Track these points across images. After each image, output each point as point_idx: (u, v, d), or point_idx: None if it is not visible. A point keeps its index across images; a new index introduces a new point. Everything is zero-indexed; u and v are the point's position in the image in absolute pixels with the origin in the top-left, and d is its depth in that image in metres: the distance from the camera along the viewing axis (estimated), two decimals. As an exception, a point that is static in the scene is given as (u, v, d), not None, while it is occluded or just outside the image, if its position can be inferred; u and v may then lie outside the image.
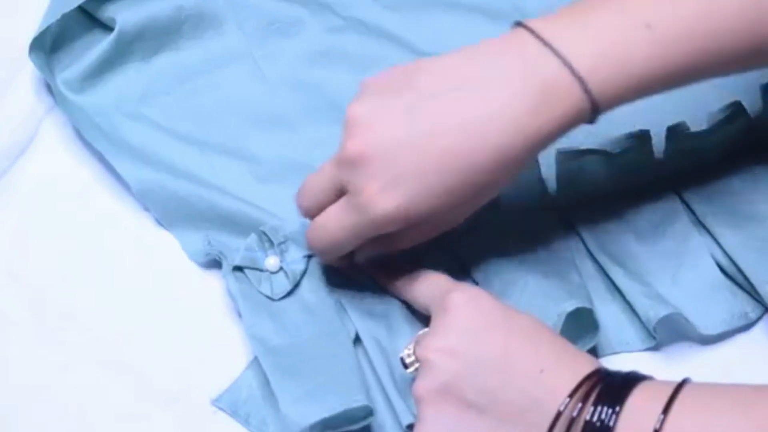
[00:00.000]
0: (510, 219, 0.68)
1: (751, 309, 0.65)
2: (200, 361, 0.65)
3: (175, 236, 0.69)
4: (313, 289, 0.65)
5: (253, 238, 0.66)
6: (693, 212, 0.68)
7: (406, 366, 0.59)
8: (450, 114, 0.57)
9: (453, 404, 0.56)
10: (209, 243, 0.67)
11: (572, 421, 0.53)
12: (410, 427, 0.60)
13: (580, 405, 0.53)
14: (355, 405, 0.59)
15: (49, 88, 0.73)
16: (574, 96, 0.57)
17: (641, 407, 0.52)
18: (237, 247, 0.66)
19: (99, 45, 0.73)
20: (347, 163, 0.58)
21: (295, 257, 0.66)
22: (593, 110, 0.58)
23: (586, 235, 0.67)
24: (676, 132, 0.69)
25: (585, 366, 0.55)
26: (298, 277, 0.66)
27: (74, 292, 0.67)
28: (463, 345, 0.56)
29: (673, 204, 0.68)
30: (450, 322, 0.57)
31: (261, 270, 0.66)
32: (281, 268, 0.66)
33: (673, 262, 0.66)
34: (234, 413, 0.63)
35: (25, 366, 0.64)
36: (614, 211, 0.68)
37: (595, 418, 0.53)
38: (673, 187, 0.69)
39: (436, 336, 0.57)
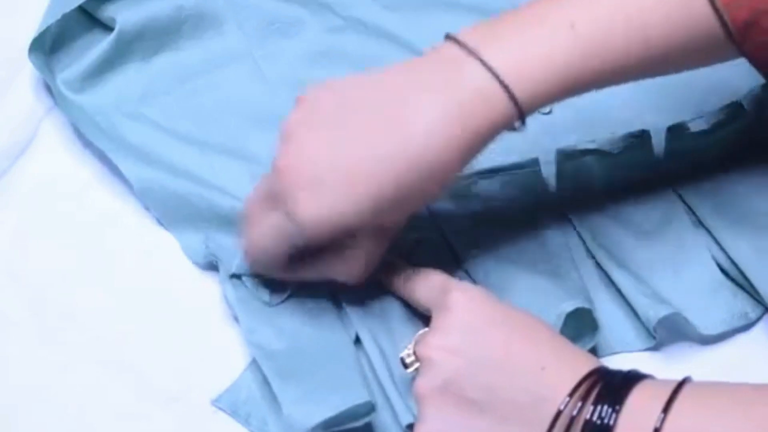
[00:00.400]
0: (510, 219, 0.68)
1: (751, 309, 0.65)
2: (200, 361, 0.65)
3: (174, 236, 0.69)
4: (311, 291, 0.65)
5: (252, 241, 0.66)
6: (693, 212, 0.68)
7: (406, 366, 0.59)
8: (377, 128, 0.58)
9: (454, 402, 0.56)
10: (207, 247, 0.67)
11: (572, 420, 0.53)
12: (410, 427, 0.60)
13: (580, 404, 0.53)
14: (357, 402, 0.59)
15: (49, 89, 0.73)
16: (501, 104, 0.57)
17: (641, 406, 0.53)
18: (235, 250, 0.66)
19: (99, 45, 0.73)
20: (277, 174, 0.59)
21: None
22: (519, 116, 0.58)
23: (585, 234, 0.67)
24: (676, 132, 0.69)
25: (585, 364, 0.55)
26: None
27: (74, 292, 0.67)
28: (465, 343, 0.56)
29: (673, 204, 0.68)
30: (451, 321, 0.57)
31: (258, 276, 0.66)
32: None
33: (673, 261, 0.66)
34: (234, 413, 0.63)
35: (25, 366, 0.64)
36: (614, 210, 0.68)
37: (595, 417, 0.53)
38: (673, 187, 0.69)
39: (437, 334, 0.57)
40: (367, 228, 0.60)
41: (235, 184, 0.69)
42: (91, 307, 0.66)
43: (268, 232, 0.61)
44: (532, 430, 0.54)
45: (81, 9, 0.73)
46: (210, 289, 0.67)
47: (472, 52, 0.58)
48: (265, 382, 0.62)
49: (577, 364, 0.55)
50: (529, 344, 0.56)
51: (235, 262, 0.65)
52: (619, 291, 0.66)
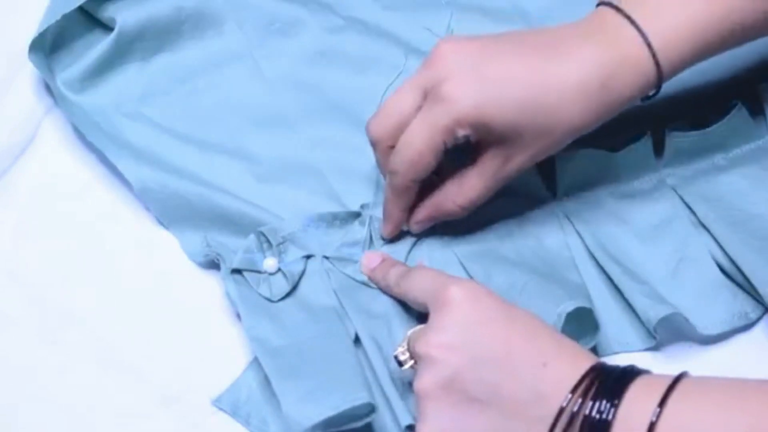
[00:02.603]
0: (510, 219, 0.68)
1: (751, 309, 0.65)
2: (200, 361, 0.65)
3: (174, 236, 0.69)
4: (312, 289, 0.65)
5: (251, 239, 0.66)
6: (693, 212, 0.68)
7: (400, 363, 0.59)
8: (534, 47, 0.62)
9: (455, 399, 0.55)
10: (207, 244, 0.67)
11: (573, 416, 0.53)
12: (409, 427, 0.60)
13: (580, 400, 0.53)
14: (357, 403, 0.59)
15: (49, 88, 0.73)
16: (645, 67, 0.62)
17: (639, 401, 0.53)
18: (235, 248, 0.66)
19: (99, 45, 0.73)
20: (435, 60, 0.62)
21: (294, 258, 0.66)
22: (657, 82, 0.62)
23: (586, 235, 0.67)
24: (676, 132, 0.69)
25: (585, 360, 0.55)
26: (296, 278, 0.66)
27: (74, 292, 0.67)
28: (465, 340, 0.56)
29: (673, 204, 0.68)
30: (450, 317, 0.57)
31: (259, 272, 0.66)
32: (279, 270, 0.66)
33: (673, 262, 0.66)
34: (234, 413, 0.63)
35: (25, 366, 0.64)
36: (614, 211, 0.68)
37: (594, 413, 0.53)
38: (673, 187, 0.69)
39: (436, 331, 0.57)
40: (492, 144, 0.62)
41: (234, 184, 0.69)
42: (91, 307, 0.66)
43: (418, 130, 0.62)
44: (533, 426, 0.54)
45: (81, 9, 0.73)
46: (210, 289, 0.67)
47: (627, 17, 0.62)
48: (266, 381, 0.62)
49: (577, 361, 0.55)
50: (529, 340, 0.56)
51: (237, 257, 0.65)
52: (619, 291, 0.66)
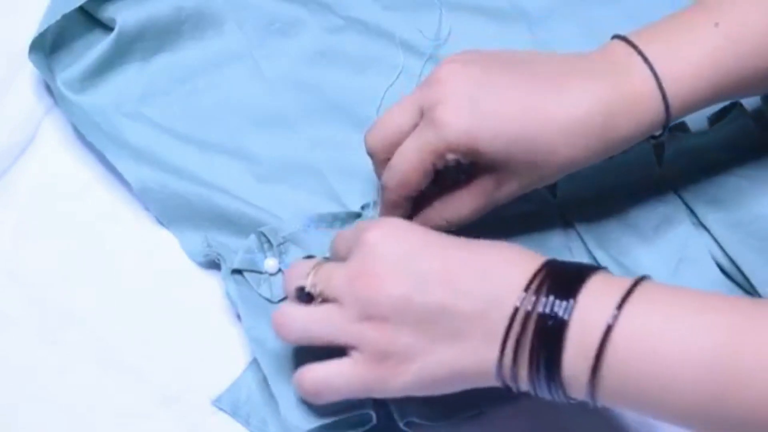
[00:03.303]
0: (510, 219, 0.68)
1: (751, 309, 0.65)
2: (200, 361, 0.65)
3: (174, 236, 0.69)
4: None
5: (252, 239, 0.66)
6: (693, 212, 0.68)
7: (309, 297, 0.57)
8: (533, 78, 0.61)
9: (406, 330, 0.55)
10: (208, 245, 0.67)
11: (527, 318, 0.53)
12: (407, 425, 0.60)
13: (534, 298, 0.53)
14: (355, 412, 0.59)
15: (49, 88, 0.73)
16: (652, 103, 0.60)
17: (596, 301, 0.52)
18: (236, 249, 0.66)
19: (99, 45, 0.73)
20: (434, 81, 0.61)
21: (294, 259, 0.66)
22: (665, 121, 0.61)
23: (586, 235, 0.67)
24: (677, 132, 0.69)
25: (533, 260, 0.55)
26: (297, 278, 0.66)
27: (74, 292, 0.67)
28: (396, 269, 0.55)
29: (673, 204, 0.68)
30: (372, 255, 0.56)
31: (260, 272, 0.66)
32: (280, 270, 0.66)
33: (673, 262, 0.66)
34: (234, 413, 0.63)
35: (25, 366, 0.64)
36: (614, 211, 0.68)
37: (548, 310, 0.52)
38: (673, 187, 0.69)
39: (358, 267, 0.56)
40: (485, 168, 0.61)
41: (235, 184, 0.69)
42: (91, 307, 0.66)
43: (411, 146, 0.61)
44: (489, 338, 0.53)
45: (81, 9, 0.73)
46: (210, 289, 0.67)
47: (639, 52, 0.61)
48: (266, 382, 0.62)
49: (523, 261, 0.55)
50: (467, 252, 0.55)
51: (237, 257, 0.65)
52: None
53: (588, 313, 0.52)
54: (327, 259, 0.61)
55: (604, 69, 0.61)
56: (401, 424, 0.60)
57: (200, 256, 0.68)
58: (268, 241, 0.66)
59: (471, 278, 0.54)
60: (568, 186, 0.68)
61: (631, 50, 0.61)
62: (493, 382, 0.55)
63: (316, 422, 0.59)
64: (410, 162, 0.61)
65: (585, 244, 0.67)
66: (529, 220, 0.68)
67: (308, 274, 0.58)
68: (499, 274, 0.54)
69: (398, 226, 0.58)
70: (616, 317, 0.51)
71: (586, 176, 0.68)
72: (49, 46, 0.73)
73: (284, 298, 0.65)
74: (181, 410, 0.63)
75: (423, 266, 0.55)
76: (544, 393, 0.54)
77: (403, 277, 0.55)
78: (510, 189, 0.62)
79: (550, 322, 0.52)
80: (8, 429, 0.63)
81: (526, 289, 0.53)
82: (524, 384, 0.54)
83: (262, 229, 0.66)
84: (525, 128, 0.60)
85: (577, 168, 0.62)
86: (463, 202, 0.63)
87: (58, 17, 0.70)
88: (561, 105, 0.60)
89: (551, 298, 0.52)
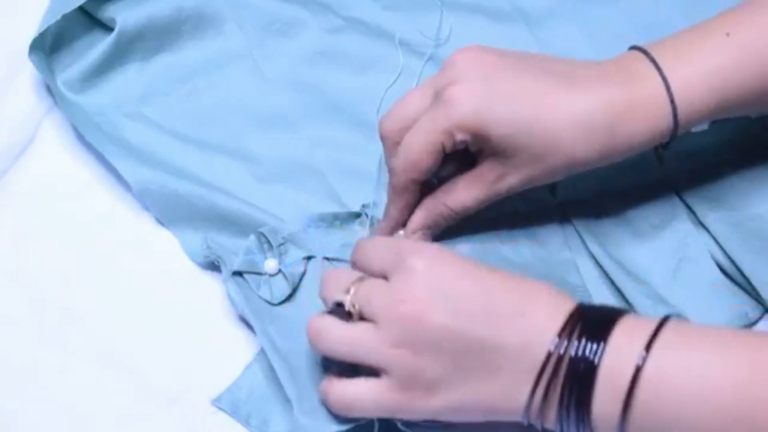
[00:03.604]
0: (510, 219, 0.68)
1: (750, 309, 0.65)
2: (200, 362, 0.65)
3: (174, 236, 0.69)
4: (313, 292, 0.65)
5: (252, 239, 0.66)
6: (693, 212, 0.68)
7: (350, 315, 0.58)
8: (548, 72, 0.62)
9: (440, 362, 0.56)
10: (208, 246, 0.67)
11: (560, 360, 0.53)
12: (405, 424, 0.60)
13: (566, 342, 0.54)
14: (363, 421, 0.59)
15: (50, 89, 0.73)
16: (661, 110, 0.61)
17: (624, 343, 0.53)
18: (236, 249, 0.66)
19: (99, 45, 0.73)
20: (449, 64, 0.62)
21: (294, 259, 0.66)
22: (674, 129, 0.61)
23: (586, 235, 0.67)
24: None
25: (565, 303, 0.55)
26: (297, 280, 0.66)
27: (74, 292, 0.67)
28: (437, 299, 0.56)
29: (672, 204, 0.68)
30: (414, 284, 0.56)
31: (260, 273, 0.66)
32: (280, 271, 0.66)
33: (673, 262, 0.66)
34: (234, 413, 0.63)
35: (25, 366, 0.64)
36: (614, 211, 0.68)
37: (579, 354, 0.53)
38: (672, 187, 0.69)
39: (403, 295, 0.56)
40: (490, 156, 0.62)
41: (235, 184, 0.69)
42: (91, 307, 0.66)
43: (420, 131, 0.62)
44: (521, 377, 0.54)
45: (81, 9, 0.73)
46: (210, 289, 0.67)
47: (652, 60, 0.62)
48: (266, 381, 0.62)
49: (557, 305, 0.55)
50: (505, 291, 0.56)
51: (238, 259, 0.65)
52: (619, 291, 0.66)
53: (618, 355, 0.53)
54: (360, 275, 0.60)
55: (615, 74, 0.62)
56: (399, 424, 0.60)
57: (200, 257, 0.68)
58: (268, 241, 0.66)
59: (510, 318, 0.55)
60: (568, 185, 0.68)
61: (642, 57, 0.62)
62: (518, 418, 0.56)
63: (334, 428, 0.59)
64: (419, 142, 0.62)
65: (585, 243, 0.67)
66: (530, 219, 0.68)
67: (348, 290, 0.58)
68: (536, 316, 0.55)
69: (442, 254, 0.58)
70: (644, 359, 0.52)
71: (587, 176, 0.68)
72: (49, 46, 0.73)
73: (284, 300, 0.65)
74: (181, 410, 0.63)
75: (465, 299, 0.56)
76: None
77: (446, 308, 0.56)
78: (511, 181, 0.62)
79: (581, 366, 0.53)
80: (8, 429, 0.63)
81: (560, 333, 0.54)
82: (551, 424, 0.55)
83: (262, 229, 0.66)
84: (533, 116, 0.60)
85: (578, 169, 0.62)
86: (465, 191, 0.63)
87: (58, 17, 0.70)
88: (570, 100, 0.60)
89: (583, 341, 0.53)
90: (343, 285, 0.58)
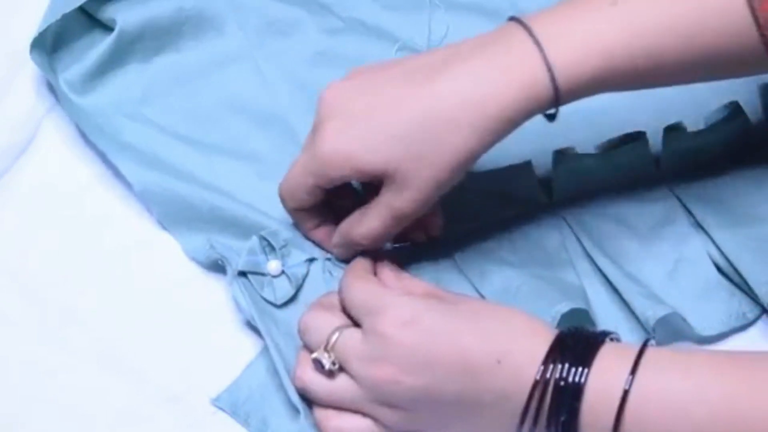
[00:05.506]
0: (507, 219, 0.68)
1: (748, 310, 0.65)
2: (200, 361, 0.65)
3: (175, 237, 0.69)
4: (315, 295, 0.65)
5: (254, 241, 0.66)
6: (690, 213, 0.68)
7: (328, 372, 0.58)
8: (414, 83, 0.60)
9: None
10: (212, 246, 0.67)
11: (545, 386, 0.54)
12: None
13: (551, 367, 0.54)
14: None
15: (50, 88, 0.73)
16: (538, 76, 0.58)
17: (608, 368, 0.54)
18: (238, 250, 0.66)
19: (99, 45, 0.73)
20: (318, 102, 0.62)
21: (297, 261, 0.66)
22: (555, 98, 0.59)
23: (583, 235, 0.67)
24: (673, 132, 0.69)
25: (546, 333, 0.56)
26: (300, 281, 0.66)
27: (74, 292, 0.67)
28: (416, 358, 0.56)
29: (670, 204, 0.68)
30: (390, 350, 0.56)
31: (263, 274, 0.66)
32: (283, 272, 0.66)
33: (670, 262, 0.66)
34: (234, 413, 0.63)
35: (25, 366, 0.65)
36: (612, 211, 0.68)
37: (564, 376, 0.54)
38: (670, 188, 0.69)
39: (379, 361, 0.57)
40: (381, 177, 0.60)
41: (235, 185, 0.69)
42: (91, 307, 0.67)
43: (297, 165, 0.63)
44: (507, 412, 0.55)
45: (81, 9, 0.73)
46: (210, 289, 0.67)
47: (523, 25, 0.59)
48: (266, 382, 0.63)
49: (537, 335, 0.56)
50: (481, 341, 0.56)
51: (241, 259, 0.65)
52: (617, 291, 0.66)
53: (603, 379, 0.53)
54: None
55: (490, 47, 0.59)
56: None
57: (201, 258, 0.68)
58: (270, 244, 0.66)
59: (487, 370, 0.55)
60: (564, 187, 0.68)
61: (519, 27, 0.60)
62: None
63: None
64: (295, 181, 0.63)
65: (582, 244, 0.67)
66: (526, 221, 0.68)
67: (324, 346, 0.59)
68: (514, 359, 0.55)
69: (411, 311, 0.57)
70: (631, 382, 0.53)
71: (583, 176, 0.68)
72: (50, 46, 0.73)
73: (288, 302, 0.65)
74: (182, 410, 0.63)
75: (441, 362, 0.56)
76: None
77: (422, 371, 0.56)
78: (411, 196, 0.60)
79: (566, 389, 0.54)
80: (8, 429, 0.63)
81: (544, 363, 0.54)
82: None
83: (263, 232, 0.66)
84: (400, 129, 0.59)
85: (474, 157, 0.60)
86: (370, 219, 0.62)
87: (58, 17, 0.70)
88: (436, 95, 0.59)
89: (566, 365, 0.54)
90: (323, 335, 0.59)
